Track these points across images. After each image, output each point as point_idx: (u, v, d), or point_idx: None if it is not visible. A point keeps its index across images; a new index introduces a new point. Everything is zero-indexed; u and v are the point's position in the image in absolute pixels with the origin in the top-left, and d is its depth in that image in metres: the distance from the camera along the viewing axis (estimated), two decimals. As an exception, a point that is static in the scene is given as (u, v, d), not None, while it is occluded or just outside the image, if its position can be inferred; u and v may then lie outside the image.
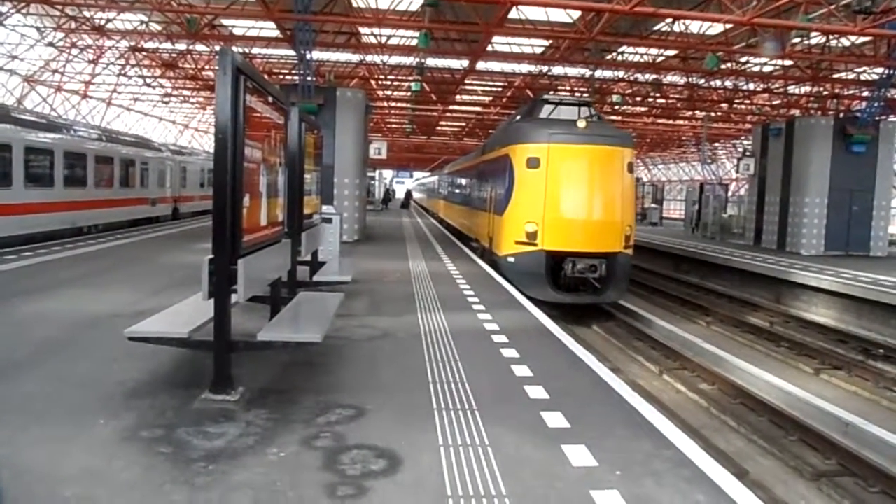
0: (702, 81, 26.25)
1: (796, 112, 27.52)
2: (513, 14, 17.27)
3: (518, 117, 16.28)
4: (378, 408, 4.80)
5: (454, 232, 24.51)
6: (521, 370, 5.93)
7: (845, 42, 19.79)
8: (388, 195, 51.97)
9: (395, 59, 25.06)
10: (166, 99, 35.37)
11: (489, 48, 21.00)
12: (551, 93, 23.00)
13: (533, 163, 13.09)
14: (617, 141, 13.49)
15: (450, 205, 30.18)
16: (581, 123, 13.15)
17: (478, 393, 5.22)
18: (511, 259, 13.27)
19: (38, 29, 23.57)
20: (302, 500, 3.38)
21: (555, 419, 4.68)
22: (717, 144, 46.33)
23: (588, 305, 13.85)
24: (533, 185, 13.11)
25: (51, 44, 24.48)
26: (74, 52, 25.87)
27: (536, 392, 5.30)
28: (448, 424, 4.52)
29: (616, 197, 13.13)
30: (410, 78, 27.04)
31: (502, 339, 7.16)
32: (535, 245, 12.89)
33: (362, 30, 21.57)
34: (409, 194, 53.08)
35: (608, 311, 14.40)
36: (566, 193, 13.01)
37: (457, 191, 27.24)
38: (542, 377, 5.72)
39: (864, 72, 23.45)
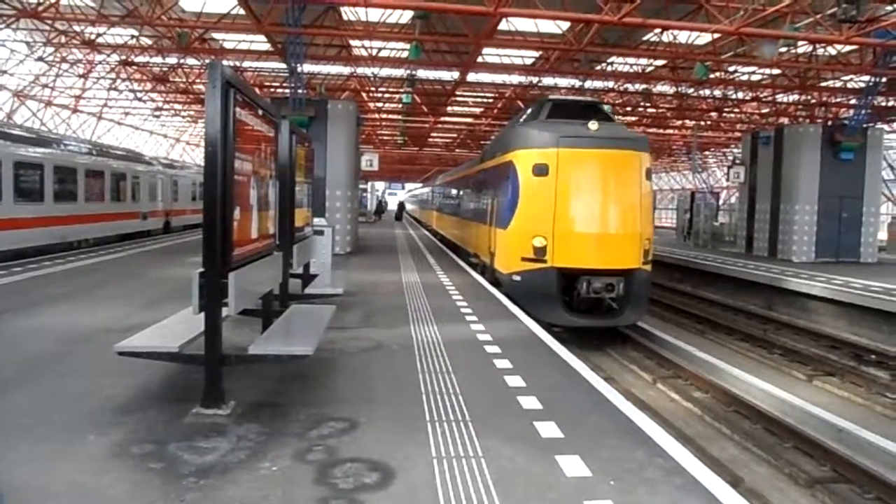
0: (691, 91, 26.44)
1: (785, 120, 27.75)
2: (503, 26, 17.39)
3: (522, 119, 14.53)
4: (371, 420, 4.77)
5: (449, 245, 23.65)
6: (515, 381, 5.92)
7: (832, 51, 19.99)
8: (381, 206, 51.90)
9: (385, 71, 25.14)
10: (157, 113, 35.31)
11: (479, 59, 21.10)
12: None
13: (540, 170, 11.69)
14: (633, 144, 12.10)
15: (445, 217, 28.03)
16: (593, 125, 11.67)
17: (471, 404, 5.21)
18: (517, 278, 11.88)
19: (27, 44, 23.56)
20: (294, 515, 3.35)
21: (548, 429, 4.67)
22: (707, 153, 46.62)
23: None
24: (540, 194, 11.70)
25: (41, 58, 24.40)
26: (64, 66, 25.81)
27: (530, 402, 5.29)
28: (441, 436, 4.50)
29: (634, 207, 11.69)
30: (401, 90, 27.15)
31: (495, 349, 7.15)
32: (543, 262, 11.48)
33: (353, 42, 21.64)
34: (401, 206, 52.61)
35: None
36: (578, 204, 11.60)
37: (453, 202, 25.29)
38: (535, 388, 5.71)
39: (851, 80, 23.69)
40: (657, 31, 18.38)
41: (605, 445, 4.43)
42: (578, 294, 11.45)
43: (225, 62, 5.65)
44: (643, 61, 22.84)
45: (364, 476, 3.83)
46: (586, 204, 11.67)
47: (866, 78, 21.03)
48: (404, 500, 3.55)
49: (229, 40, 22.67)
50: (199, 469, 3.86)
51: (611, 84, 26.37)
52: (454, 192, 25.02)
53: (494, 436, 4.52)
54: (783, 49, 18.61)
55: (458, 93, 27.83)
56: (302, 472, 3.88)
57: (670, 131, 37.13)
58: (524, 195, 12.06)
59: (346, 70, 25.72)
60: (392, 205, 58.67)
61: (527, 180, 11.99)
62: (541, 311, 11.08)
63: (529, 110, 14.58)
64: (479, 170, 17.38)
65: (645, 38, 20.04)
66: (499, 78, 26.51)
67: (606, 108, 21.29)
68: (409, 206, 62.28)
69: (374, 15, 17.83)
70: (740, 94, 27.52)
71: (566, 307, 11.59)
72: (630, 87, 26.64)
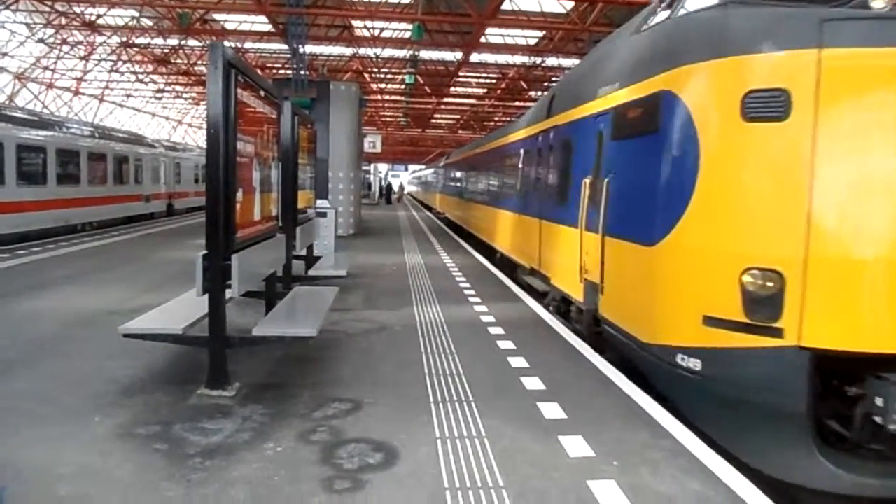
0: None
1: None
2: (506, 5, 17.24)
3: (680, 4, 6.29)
4: (375, 401, 4.79)
5: (463, 232, 20.48)
6: (518, 362, 5.93)
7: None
8: (389, 188, 50.43)
9: (388, 52, 25.03)
10: (159, 95, 35.25)
11: (483, 40, 20.95)
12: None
13: (764, 105, 4.92)
14: None
15: (467, 205, 20.76)
16: (878, 2, 5.12)
17: (474, 385, 5.22)
18: (691, 363, 5.17)
19: (27, 25, 23.46)
20: (299, 495, 3.37)
21: (552, 410, 4.69)
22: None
23: None
24: (763, 164, 4.99)
25: (41, 40, 24.34)
26: (65, 48, 25.74)
27: (533, 383, 5.30)
28: (445, 417, 4.51)
29: None
30: (404, 71, 27.02)
31: (498, 330, 7.15)
32: (771, 332, 4.72)
33: (355, 22, 21.50)
34: (390, 188, 48.27)
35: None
36: (873, 185, 4.67)
37: (482, 185, 17.70)
38: (538, 369, 5.72)
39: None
40: (662, 10, 18.18)
41: (609, 427, 4.43)
42: (868, 416, 4.57)
43: (226, 43, 5.62)
44: (648, 41, 22.62)
45: (368, 456, 3.85)
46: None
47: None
48: (408, 480, 3.57)
49: (230, 21, 22.56)
50: (205, 450, 3.88)
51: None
52: (486, 169, 17.05)
53: (498, 416, 4.53)
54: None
55: (461, 73, 27.69)
56: (306, 452, 3.90)
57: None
58: (711, 166, 5.17)
59: (349, 51, 25.59)
60: (396, 187, 55.82)
61: (719, 132, 5.19)
62: (763, 451, 4.99)
63: None
64: (547, 128, 9.84)
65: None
66: (502, 58, 26.35)
67: None
68: (412, 188, 61.80)
69: (376, -6, 17.71)
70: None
71: (826, 445, 4.72)
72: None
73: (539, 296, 9.73)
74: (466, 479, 3.58)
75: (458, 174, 24.33)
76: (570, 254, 7.81)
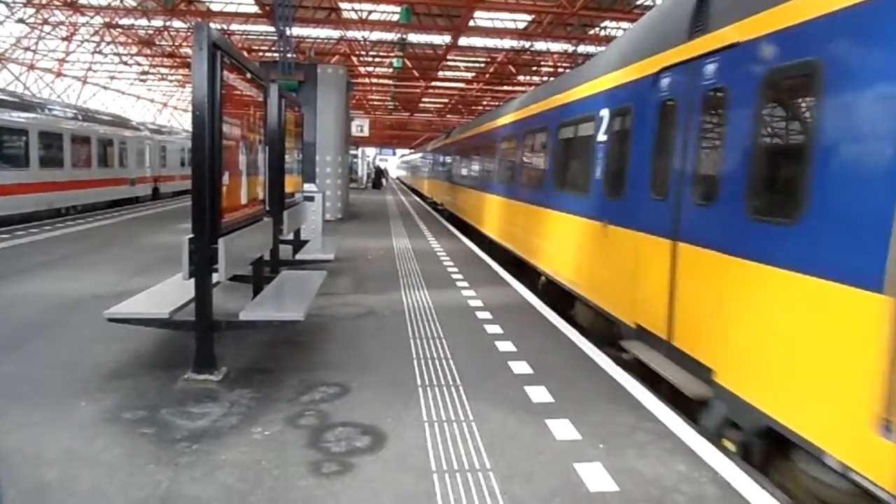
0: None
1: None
2: (495, -12, 17.13)
3: None
4: (362, 385, 4.80)
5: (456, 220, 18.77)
6: (505, 346, 5.96)
7: None
8: (378, 172, 48.69)
9: (376, 35, 24.80)
10: (143, 77, 34.78)
11: (471, 23, 20.81)
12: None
13: None
14: None
15: (481, 199, 14.91)
16: None
17: (462, 369, 5.24)
18: None
19: (7, 5, 23.01)
20: (287, 478, 3.38)
21: (539, 394, 4.72)
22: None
23: None
24: None
25: (21, 20, 23.90)
26: (47, 28, 25.30)
27: (520, 367, 5.33)
28: (432, 400, 4.53)
29: None
30: (392, 54, 26.81)
31: (486, 315, 7.17)
32: None
33: (342, 5, 21.28)
34: (379, 171, 46.48)
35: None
36: None
37: (510, 172, 12.04)
38: (526, 353, 5.75)
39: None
40: (651, -6, 18.16)
41: (596, 410, 4.47)
42: None
43: (212, 25, 5.49)
44: (637, 25, 22.58)
45: (356, 440, 3.86)
46: None
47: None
48: (396, 464, 3.59)
49: (216, 2, 22.25)
50: (192, 434, 3.88)
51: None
52: (520, 148, 11.34)
53: (485, 400, 4.56)
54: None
55: (449, 57, 27.53)
56: (294, 436, 3.90)
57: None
58: None
59: (336, 34, 25.36)
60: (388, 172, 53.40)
61: None
62: None
63: None
64: (684, 60, 5.06)
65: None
66: (491, 42, 26.22)
67: None
68: (400, 174, 61.48)
69: (364, -24, 17.51)
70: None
71: None
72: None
73: (636, 369, 5.49)
74: (454, 462, 3.60)
75: (465, 157, 18.53)
76: (822, 344, 3.41)
